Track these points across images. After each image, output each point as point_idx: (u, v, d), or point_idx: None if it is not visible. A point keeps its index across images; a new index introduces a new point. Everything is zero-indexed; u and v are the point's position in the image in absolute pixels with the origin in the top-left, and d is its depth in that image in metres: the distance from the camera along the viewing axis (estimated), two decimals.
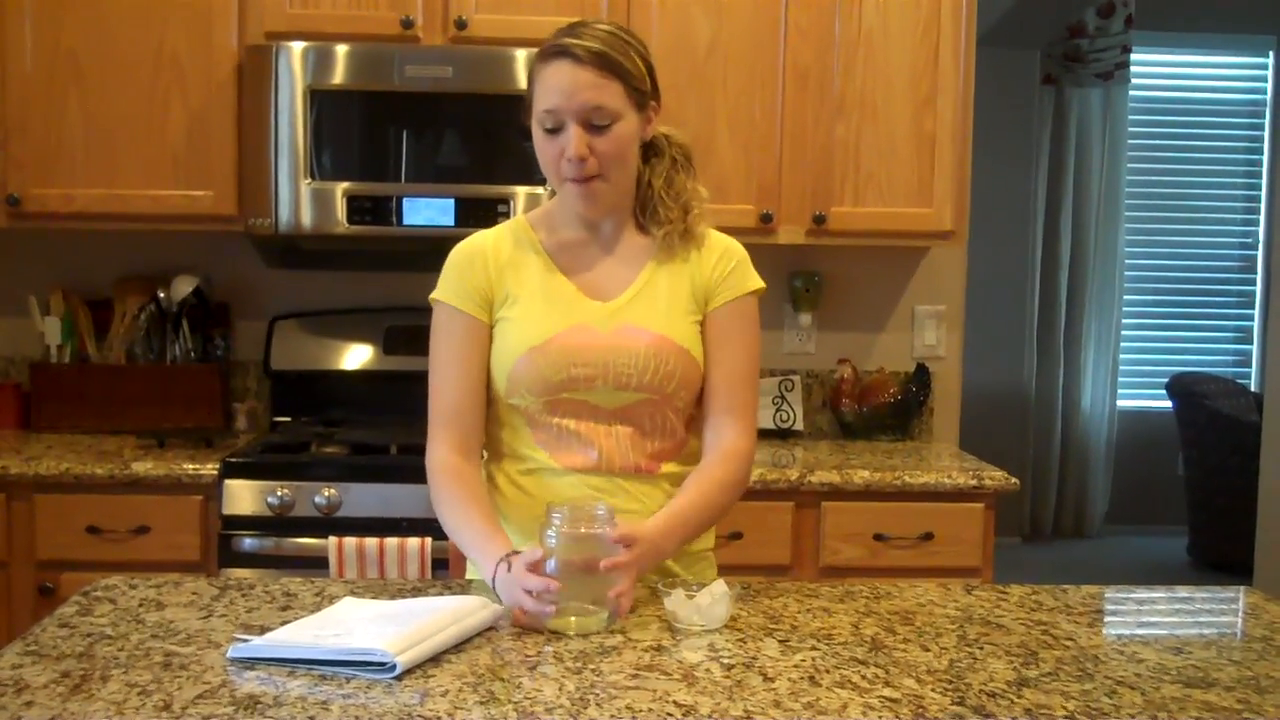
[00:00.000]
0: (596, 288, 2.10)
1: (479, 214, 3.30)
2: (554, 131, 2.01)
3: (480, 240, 2.15)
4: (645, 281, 2.11)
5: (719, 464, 2.09)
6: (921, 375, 3.90)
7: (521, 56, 3.33)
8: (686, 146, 2.17)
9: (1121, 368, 7.72)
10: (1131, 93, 7.54)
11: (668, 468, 2.11)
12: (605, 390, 2.05)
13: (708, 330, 2.12)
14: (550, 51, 2.02)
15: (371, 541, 3.00)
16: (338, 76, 3.34)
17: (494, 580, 1.86)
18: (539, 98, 2.02)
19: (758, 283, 2.16)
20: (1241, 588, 2.16)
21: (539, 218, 2.18)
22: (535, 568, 1.78)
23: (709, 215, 2.16)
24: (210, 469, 3.13)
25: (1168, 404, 7.12)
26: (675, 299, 2.10)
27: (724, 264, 2.13)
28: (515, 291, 2.09)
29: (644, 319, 2.08)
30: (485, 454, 2.20)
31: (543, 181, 3.21)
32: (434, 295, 2.14)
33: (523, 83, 3.33)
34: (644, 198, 2.13)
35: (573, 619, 1.77)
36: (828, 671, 1.63)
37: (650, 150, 2.13)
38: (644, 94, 2.04)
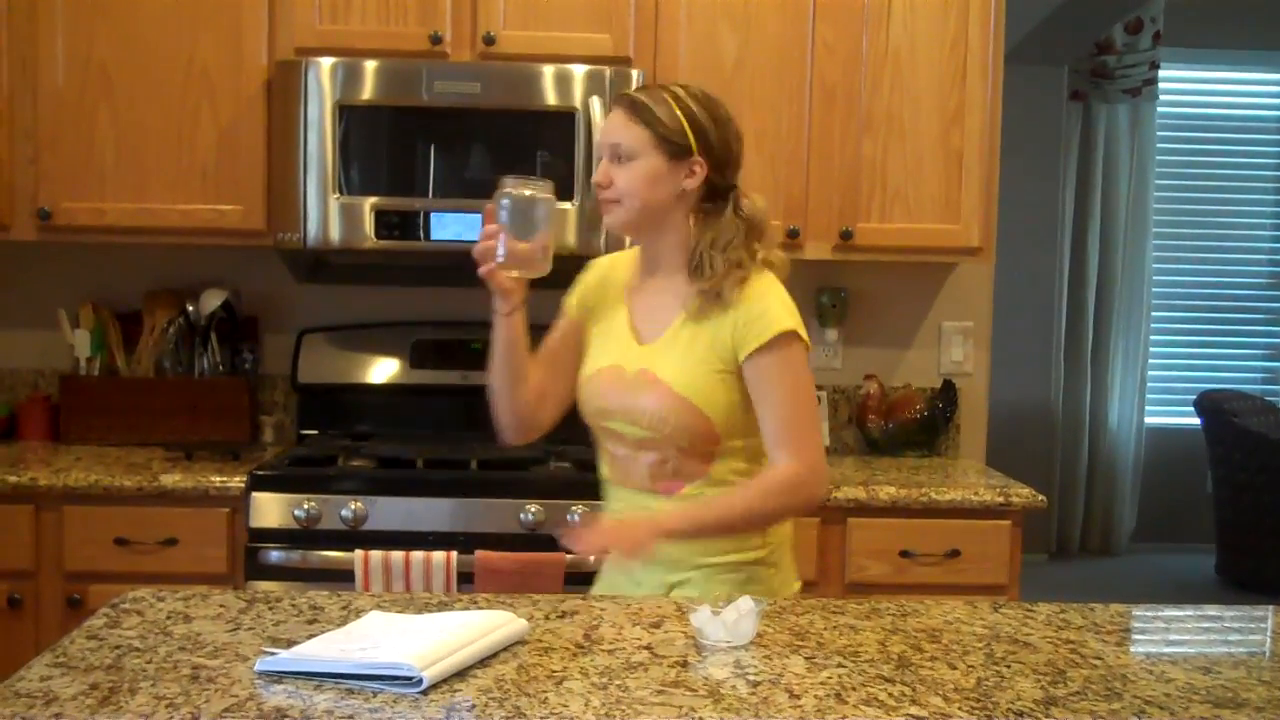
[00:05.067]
0: (643, 328, 2.31)
1: None
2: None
3: (610, 258, 2.46)
4: (676, 329, 2.26)
5: (759, 478, 2.25)
6: (948, 391, 3.89)
7: (549, 72, 3.34)
8: (755, 216, 2.26)
9: (1149, 384, 7.68)
10: (1159, 109, 7.52)
11: (690, 490, 2.26)
12: (624, 424, 2.27)
13: (746, 379, 2.23)
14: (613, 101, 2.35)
15: (398, 555, 3.01)
16: (367, 92, 3.36)
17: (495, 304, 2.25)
18: None
19: (780, 326, 2.21)
20: (1271, 607, 2.14)
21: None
22: (488, 221, 2.16)
23: (756, 282, 2.25)
24: (238, 482, 3.14)
25: (1196, 421, 7.07)
26: (696, 351, 2.23)
27: (744, 317, 2.22)
28: (599, 316, 2.37)
29: (661, 367, 2.24)
30: None
31: (570, 197, 3.29)
32: None
33: (550, 98, 3.36)
34: (693, 252, 2.25)
35: (514, 272, 2.17)
36: (854, 689, 1.63)
37: (714, 210, 2.24)
38: (677, 145, 2.21)
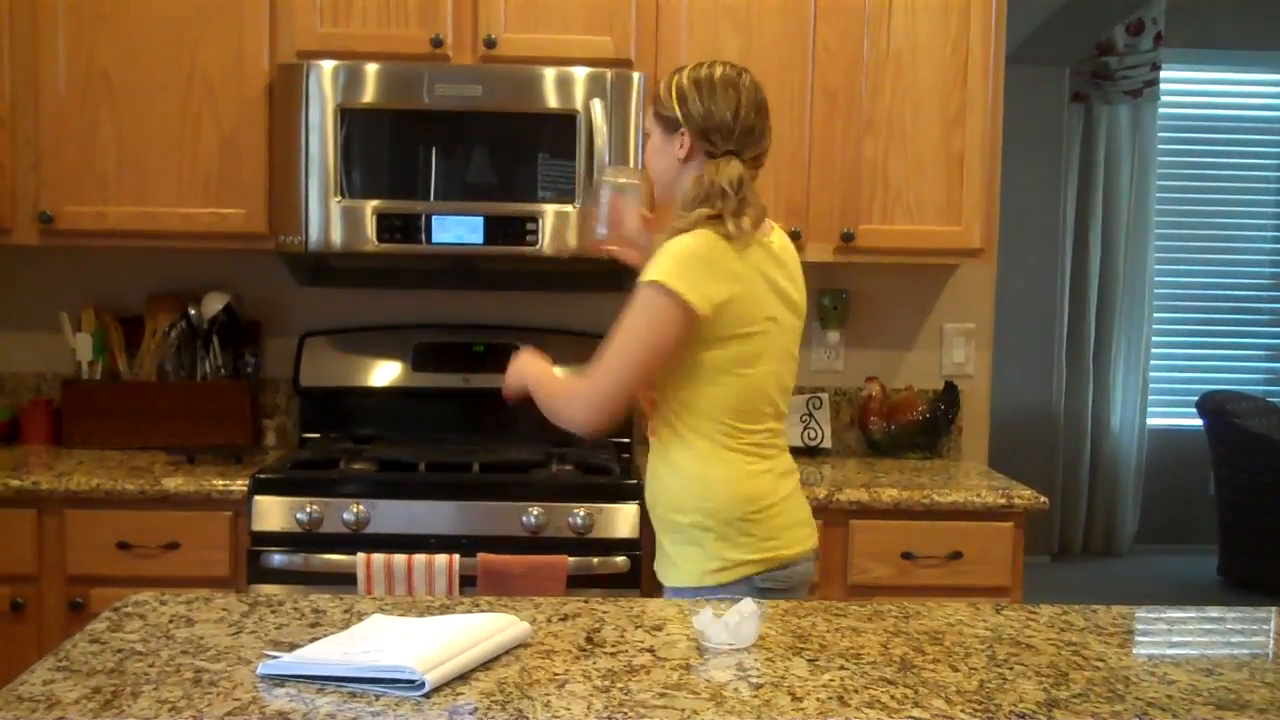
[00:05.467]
0: None
1: (508, 232, 3.31)
2: None
3: None
4: None
5: (569, 377, 2.64)
6: (950, 393, 3.88)
7: (550, 75, 3.34)
8: (707, 183, 2.40)
9: (1151, 386, 7.68)
10: (1161, 110, 7.52)
11: (653, 439, 2.56)
12: None
13: None
14: None
15: (400, 558, 3.01)
16: (368, 95, 3.36)
17: None
18: None
19: (647, 275, 2.36)
20: (1273, 609, 2.14)
21: None
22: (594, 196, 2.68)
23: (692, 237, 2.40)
24: (240, 485, 3.14)
25: (1198, 422, 7.07)
26: None
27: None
28: None
29: None
30: None
31: (571, 200, 3.29)
32: None
33: (551, 101, 3.36)
34: None
35: (612, 246, 2.64)
36: (856, 691, 1.63)
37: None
38: (666, 119, 2.47)
